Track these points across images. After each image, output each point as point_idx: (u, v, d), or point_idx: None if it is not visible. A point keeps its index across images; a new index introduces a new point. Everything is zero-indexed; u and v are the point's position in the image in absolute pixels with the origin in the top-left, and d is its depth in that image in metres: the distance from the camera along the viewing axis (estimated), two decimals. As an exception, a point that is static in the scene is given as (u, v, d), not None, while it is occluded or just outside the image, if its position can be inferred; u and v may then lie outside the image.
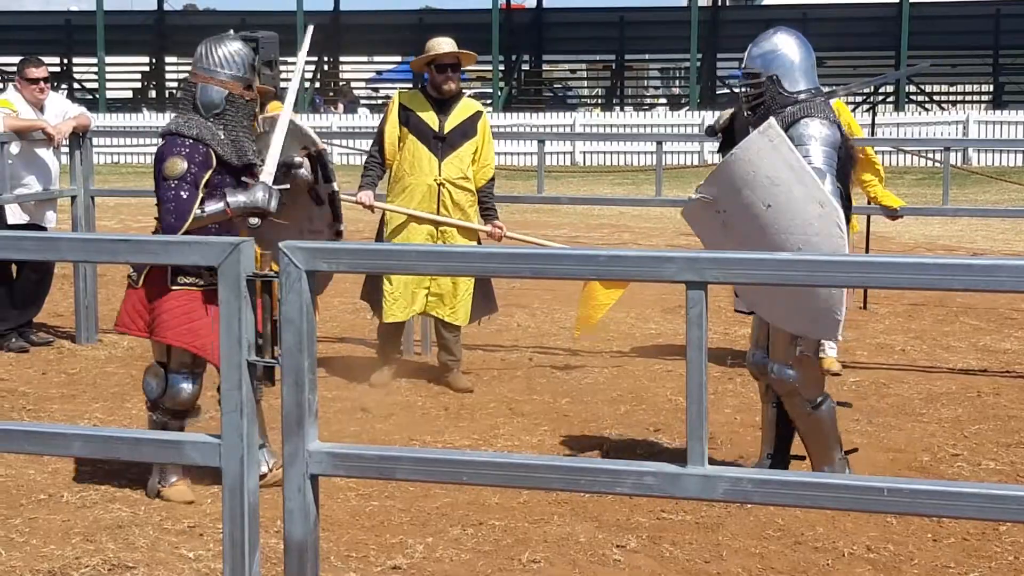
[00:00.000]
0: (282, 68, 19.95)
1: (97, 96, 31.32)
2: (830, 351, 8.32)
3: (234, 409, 2.98)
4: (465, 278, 7.71)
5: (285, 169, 6.02)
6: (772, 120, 5.34)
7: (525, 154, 23.89)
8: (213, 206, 5.63)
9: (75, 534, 5.27)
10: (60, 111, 9.04)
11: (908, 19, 28.18)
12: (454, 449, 5.84)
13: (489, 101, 31.48)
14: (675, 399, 7.44)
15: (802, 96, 5.54)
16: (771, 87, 5.57)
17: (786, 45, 5.63)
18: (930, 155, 20.42)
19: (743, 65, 5.76)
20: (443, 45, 7.94)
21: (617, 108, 34.46)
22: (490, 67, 31.42)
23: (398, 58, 40.11)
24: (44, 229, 8.82)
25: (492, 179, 8.01)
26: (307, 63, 31.30)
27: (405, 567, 4.94)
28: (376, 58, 40.70)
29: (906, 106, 29.21)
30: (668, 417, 7.09)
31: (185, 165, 5.56)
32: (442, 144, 7.83)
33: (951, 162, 9.15)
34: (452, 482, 2.96)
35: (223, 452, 2.98)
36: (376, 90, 39.94)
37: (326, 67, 37.31)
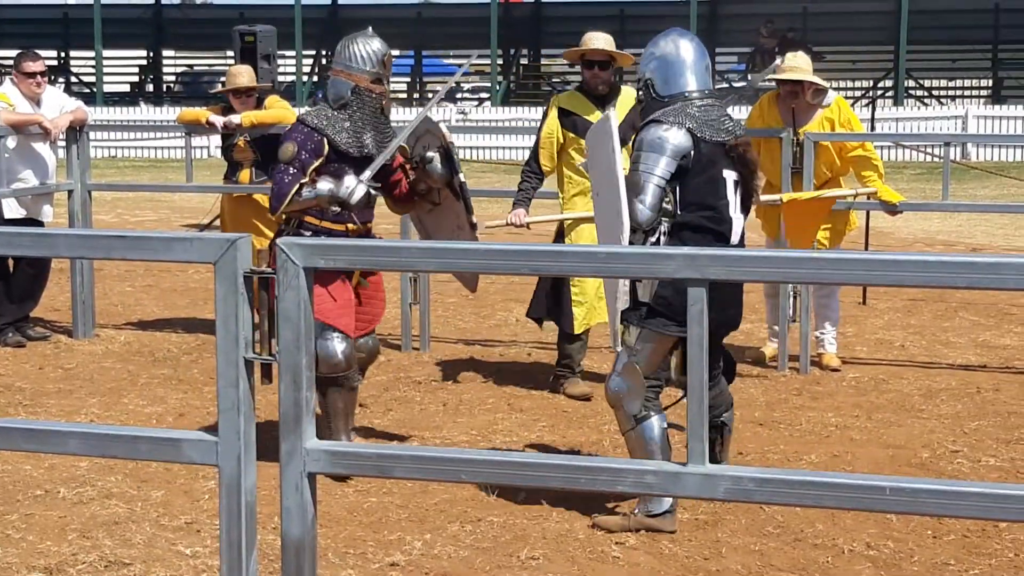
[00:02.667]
0: (280, 62, 19.90)
1: (94, 90, 31.25)
2: (829, 347, 8.30)
3: (231, 407, 2.95)
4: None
5: (420, 165, 6.17)
6: (610, 111, 5.57)
7: (524, 148, 23.83)
8: (306, 192, 5.89)
9: (72, 530, 5.25)
10: (57, 105, 9.02)
11: (907, 14, 28.14)
12: (452, 447, 5.81)
13: (488, 95, 31.47)
14: (670, 392, 7.41)
15: (667, 100, 5.38)
16: (647, 91, 5.47)
17: (666, 47, 5.45)
18: (929, 150, 20.41)
19: None
20: (594, 41, 7.72)
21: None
22: (488, 61, 31.37)
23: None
24: (41, 223, 8.80)
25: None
26: (304, 56, 30.91)
27: (403, 564, 4.92)
28: (374, 52, 40.61)
29: (905, 101, 29.17)
30: (668, 414, 7.05)
31: (295, 150, 5.88)
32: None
33: (950, 157, 9.12)
34: (451, 480, 2.94)
35: (220, 450, 2.96)
36: (374, 84, 39.84)
37: (324, 60, 37.23)
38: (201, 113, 8.94)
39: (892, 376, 7.99)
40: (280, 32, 14.81)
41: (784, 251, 2.79)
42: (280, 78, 26.62)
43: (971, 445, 6.49)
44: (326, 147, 5.90)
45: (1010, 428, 6.80)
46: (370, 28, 6.32)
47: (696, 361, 2.80)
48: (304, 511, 2.92)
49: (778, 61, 8.36)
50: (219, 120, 8.74)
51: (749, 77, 31.62)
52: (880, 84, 32.18)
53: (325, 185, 5.87)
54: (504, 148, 25.94)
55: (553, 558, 4.98)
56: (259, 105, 8.89)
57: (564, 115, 7.62)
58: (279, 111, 8.87)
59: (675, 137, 5.25)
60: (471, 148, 26.16)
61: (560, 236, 7.68)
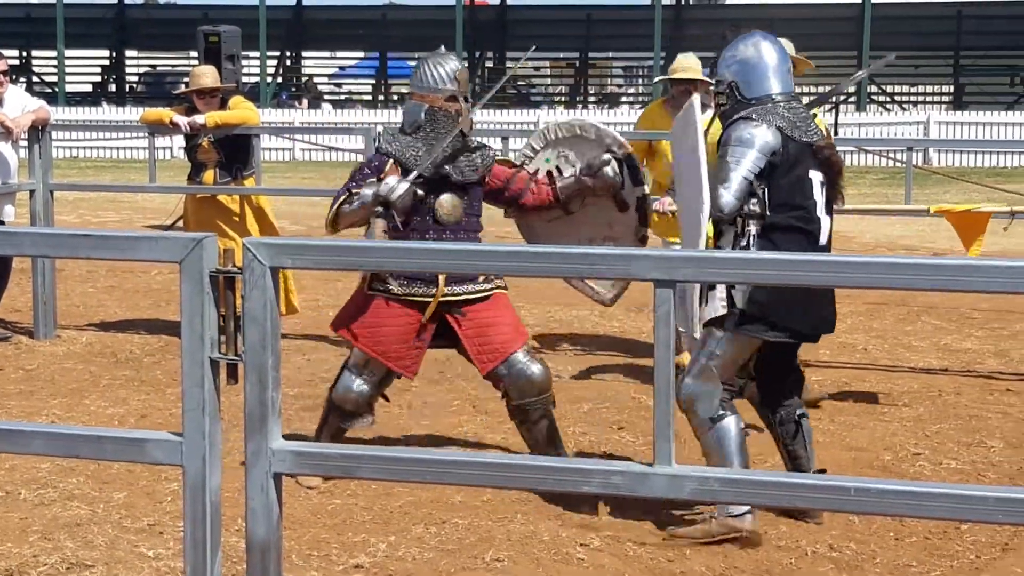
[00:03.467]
0: (243, 63, 19.83)
1: (56, 90, 31.05)
2: None
3: (196, 407, 2.94)
4: None
5: (589, 171, 6.04)
6: (695, 98, 5.55)
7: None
8: (353, 204, 5.84)
9: (33, 532, 5.20)
10: (19, 104, 8.95)
11: (870, 20, 28.33)
12: (418, 448, 5.80)
13: (560, 98, 31.42)
14: (639, 397, 7.43)
15: (753, 102, 5.36)
16: (731, 94, 5.45)
17: (746, 51, 5.47)
18: (891, 155, 20.54)
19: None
20: (683, 61, 7.91)
21: (580, 106, 34.46)
22: (453, 64, 31.35)
23: (361, 53, 40.00)
24: (2, 223, 8.73)
25: None
26: (269, 57, 30.77)
27: (368, 566, 4.91)
28: (339, 53, 40.53)
29: (867, 106, 29.36)
30: (632, 415, 7.07)
31: (359, 167, 5.95)
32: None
33: (912, 162, 9.20)
34: (416, 481, 2.93)
35: (184, 450, 2.95)
36: (339, 85, 39.80)
37: (288, 62, 37.14)
38: (164, 113, 8.89)
39: (855, 379, 8.03)
40: (244, 33, 14.78)
41: (753, 253, 2.80)
42: (244, 79, 26.54)
43: (933, 448, 6.53)
44: (388, 165, 5.82)
45: (971, 431, 6.84)
46: (442, 47, 6.26)
47: (663, 362, 2.80)
48: (269, 512, 2.91)
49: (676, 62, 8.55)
50: (183, 120, 8.70)
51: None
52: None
53: (368, 189, 5.79)
54: (469, 151, 25.90)
55: (518, 560, 4.97)
56: (223, 106, 8.85)
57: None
58: (243, 112, 8.83)
59: (764, 134, 5.23)
60: (436, 150, 26.07)
61: None
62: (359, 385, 5.91)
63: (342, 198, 5.84)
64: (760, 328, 5.22)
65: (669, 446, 2.77)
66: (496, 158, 6.08)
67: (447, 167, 5.85)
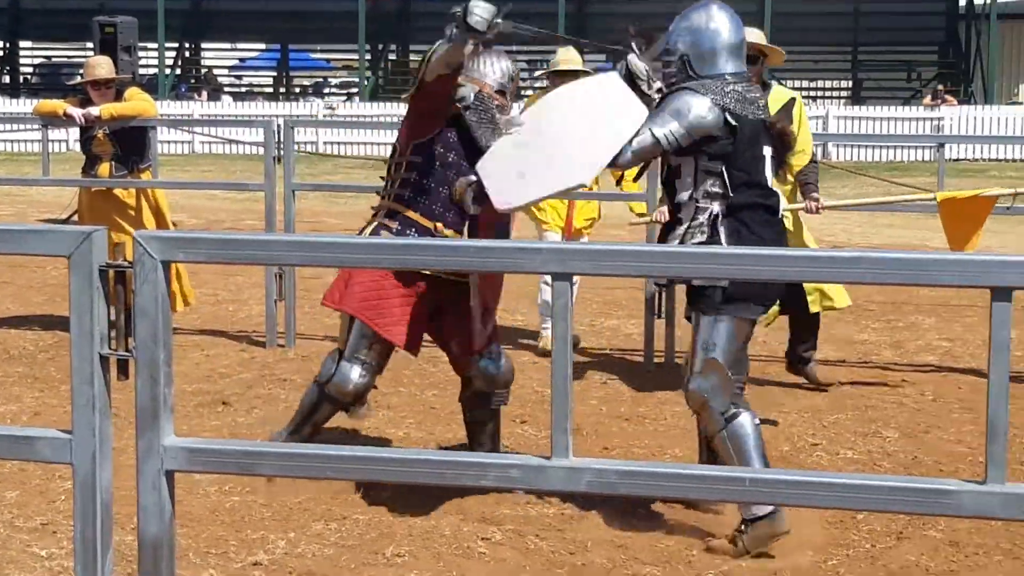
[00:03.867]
0: (141, 55, 19.51)
1: (-51, 81, 30.39)
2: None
3: (86, 403, 2.88)
4: None
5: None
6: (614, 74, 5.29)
7: (391, 144, 23.77)
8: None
9: (-79, 533, 5.08)
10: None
11: (770, 15, 28.67)
12: (316, 444, 5.74)
13: (356, 90, 31.25)
14: (541, 391, 7.44)
15: (707, 77, 5.16)
16: (683, 67, 5.21)
17: (702, 21, 5.24)
18: (790, 149, 20.80)
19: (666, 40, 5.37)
20: (565, 54, 7.73)
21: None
22: (356, 56, 31.20)
23: (262, 45, 39.63)
24: None
25: (812, 161, 7.70)
26: (167, 49, 30.37)
27: (266, 563, 4.86)
28: (240, 45, 40.11)
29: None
30: (534, 409, 7.08)
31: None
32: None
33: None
34: (316, 477, 2.90)
35: (74, 448, 2.88)
36: (239, 77, 39.37)
37: (187, 53, 36.68)
38: (59, 105, 8.73)
39: (754, 371, 8.08)
40: (142, 23, 14.55)
41: (650, 246, 2.81)
42: (142, 71, 26.17)
43: (830, 438, 6.61)
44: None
45: (867, 421, 6.95)
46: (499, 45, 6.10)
47: (560, 355, 2.79)
48: (162, 509, 2.86)
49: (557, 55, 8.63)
50: (77, 112, 8.55)
51: None
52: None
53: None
54: (372, 144, 25.81)
55: (419, 555, 4.95)
56: (119, 97, 8.71)
57: None
58: (139, 103, 8.70)
59: (700, 108, 5.06)
60: (339, 143, 25.97)
61: None
62: (360, 376, 5.61)
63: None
64: (742, 306, 5.09)
65: (566, 439, 2.77)
66: None
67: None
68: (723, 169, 5.12)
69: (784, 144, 5.34)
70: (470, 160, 5.53)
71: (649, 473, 2.72)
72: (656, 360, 8.20)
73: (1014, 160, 25.92)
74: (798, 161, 7.58)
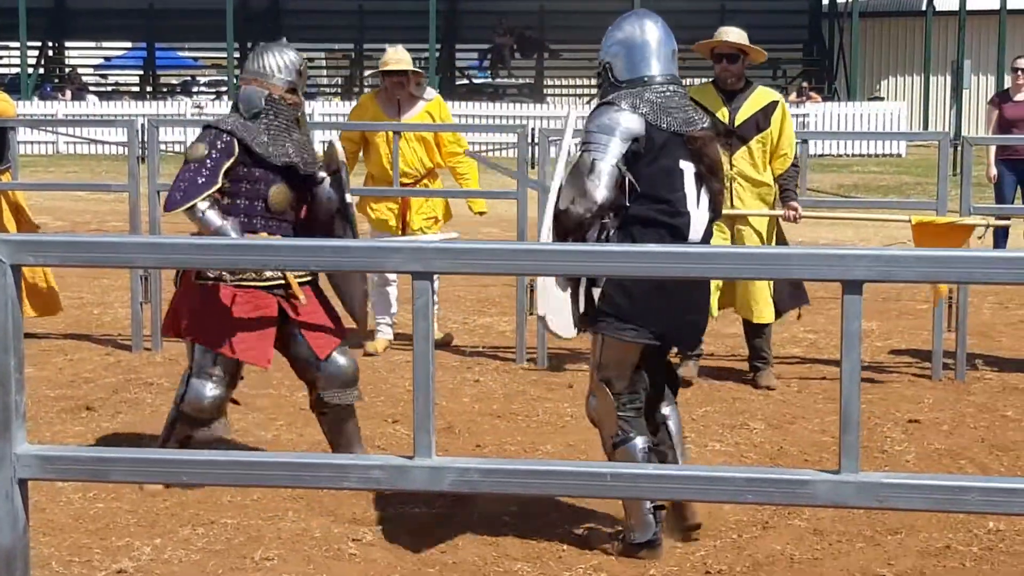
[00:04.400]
0: (2, 54, 19.02)
1: None
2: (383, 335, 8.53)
3: (-65, 412, 2.79)
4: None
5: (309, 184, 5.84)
6: (571, 111, 5.40)
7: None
8: (212, 217, 5.60)
9: None
10: None
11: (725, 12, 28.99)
12: (171, 449, 5.64)
13: (225, 88, 30.87)
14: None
15: (626, 85, 5.05)
16: (605, 75, 5.14)
17: (629, 29, 5.14)
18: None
19: None
20: (725, 34, 7.55)
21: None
22: (225, 54, 30.82)
23: (128, 44, 38.92)
24: None
25: (793, 165, 7.65)
26: (29, 48, 29.66)
27: (131, 570, 4.78)
28: (105, 44, 39.36)
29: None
30: (407, 408, 7.06)
31: (206, 150, 5.61)
32: (731, 137, 7.44)
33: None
34: (171, 482, 2.86)
35: (-77, 458, 2.80)
36: (104, 76, 38.64)
37: (51, 52, 35.89)
38: (-87, 106, 8.48)
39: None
40: (3, 22, 14.21)
41: (511, 243, 2.81)
42: (3, 70, 25.56)
43: (698, 431, 6.70)
44: (236, 147, 5.60)
45: (735, 413, 7.06)
46: (284, 39, 6.08)
47: (422, 355, 2.78)
48: (15, 519, 2.79)
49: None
50: (-66, 113, 8.32)
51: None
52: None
53: (232, 233, 5.60)
54: (242, 143, 25.47)
55: (288, 558, 4.91)
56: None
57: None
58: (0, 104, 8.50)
59: (626, 119, 4.91)
60: (208, 143, 25.57)
61: None
62: (212, 390, 5.63)
63: (205, 194, 5.56)
64: (616, 327, 4.93)
65: (429, 438, 2.76)
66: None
67: (295, 159, 5.71)
68: (627, 178, 4.92)
69: (703, 162, 5.03)
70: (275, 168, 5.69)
71: (511, 471, 2.73)
72: (528, 357, 8.24)
73: (876, 155, 26.53)
74: (779, 165, 7.61)
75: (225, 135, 5.63)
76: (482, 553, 5.01)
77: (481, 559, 4.96)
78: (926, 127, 29.84)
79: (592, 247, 2.72)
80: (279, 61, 5.75)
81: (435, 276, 2.84)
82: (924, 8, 31.17)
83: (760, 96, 7.63)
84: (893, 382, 7.76)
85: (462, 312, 9.97)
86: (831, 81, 31.66)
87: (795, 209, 7.61)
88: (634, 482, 2.66)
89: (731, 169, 7.45)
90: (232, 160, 5.61)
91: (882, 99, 31.46)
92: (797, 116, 27.04)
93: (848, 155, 26.40)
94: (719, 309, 7.74)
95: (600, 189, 4.85)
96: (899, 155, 26.58)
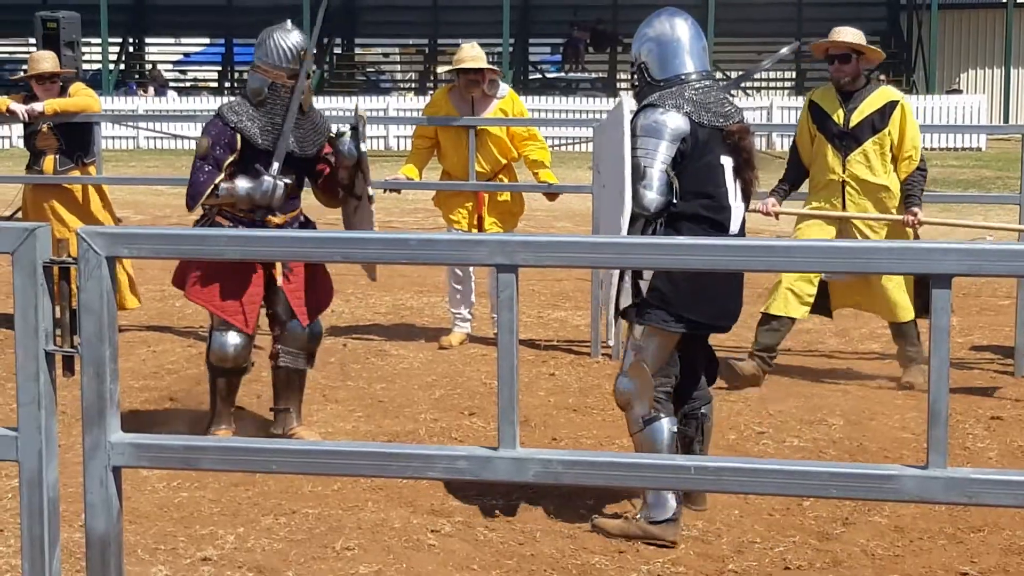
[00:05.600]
0: (84, 50, 19.35)
1: None
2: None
3: (31, 401, 2.87)
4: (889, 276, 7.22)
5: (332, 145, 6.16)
6: (623, 98, 5.38)
7: (338, 138, 23.66)
8: (223, 191, 5.94)
9: None
10: None
11: (714, 7, 28.80)
12: (260, 438, 5.74)
13: (409, 85, 31.10)
14: (489, 383, 7.46)
15: (663, 84, 5.14)
16: (641, 74, 5.23)
17: (660, 28, 5.22)
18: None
19: None
20: (837, 34, 7.45)
21: (430, 93, 34.41)
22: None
23: (206, 40, 39.32)
24: None
25: (919, 169, 7.38)
26: (110, 44, 30.13)
27: (215, 558, 4.85)
28: (183, 40, 39.80)
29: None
30: (483, 400, 7.10)
31: (208, 144, 5.92)
32: (846, 139, 7.36)
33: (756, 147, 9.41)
34: (260, 471, 2.90)
35: (20, 445, 2.87)
36: (184, 72, 39.08)
37: (131, 48, 36.37)
38: (2, 101, 8.64)
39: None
40: (85, 18, 14.44)
41: (592, 237, 2.83)
42: (85, 66, 25.94)
43: (776, 426, 6.67)
44: (239, 142, 5.90)
45: (812, 409, 7.01)
46: (288, 21, 6.25)
47: (506, 346, 2.81)
48: (109, 506, 2.85)
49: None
50: (20, 108, 8.47)
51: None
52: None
53: (243, 185, 5.94)
54: (318, 138, 25.63)
55: (368, 548, 4.96)
56: (63, 93, 8.64)
57: (814, 109, 7.50)
58: (83, 99, 8.64)
59: (673, 121, 5.02)
60: (284, 138, 25.78)
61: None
62: (233, 338, 6.07)
63: (210, 187, 5.91)
64: (661, 318, 5.07)
65: (513, 429, 2.78)
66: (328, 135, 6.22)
67: (293, 146, 6.00)
68: (675, 176, 5.03)
69: (741, 155, 5.13)
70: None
71: (594, 463, 2.75)
72: (603, 351, 8.24)
73: (954, 149, 26.20)
74: (903, 169, 7.37)
75: (229, 130, 5.93)
76: (559, 546, 5.03)
77: (559, 551, 4.98)
78: (1006, 120, 29.41)
79: (677, 240, 2.72)
80: (282, 46, 5.99)
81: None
82: (1005, 0, 30.71)
83: (879, 96, 7.43)
84: (975, 379, 7.69)
85: (537, 306, 9.99)
86: (909, 74, 31.31)
87: (915, 215, 7.32)
88: (718, 475, 2.66)
89: (843, 172, 7.36)
90: (234, 155, 5.93)
91: (960, 92, 31.04)
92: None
93: (926, 148, 26.06)
94: (834, 309, 7.68)
95: (652, 194, 5.00)
96: (979, 148, 26.22)
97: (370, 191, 6.14)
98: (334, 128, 6.33)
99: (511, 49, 31.28)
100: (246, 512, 5.32)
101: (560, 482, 2.78)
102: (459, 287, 8.63)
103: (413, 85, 37.09)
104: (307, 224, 6.31)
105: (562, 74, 34.84)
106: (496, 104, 8.52)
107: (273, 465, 2.87)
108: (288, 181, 6.04)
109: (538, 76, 35.48)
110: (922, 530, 5.19)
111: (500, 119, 8.49)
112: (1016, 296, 7.90)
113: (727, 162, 5.13)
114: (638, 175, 5.00)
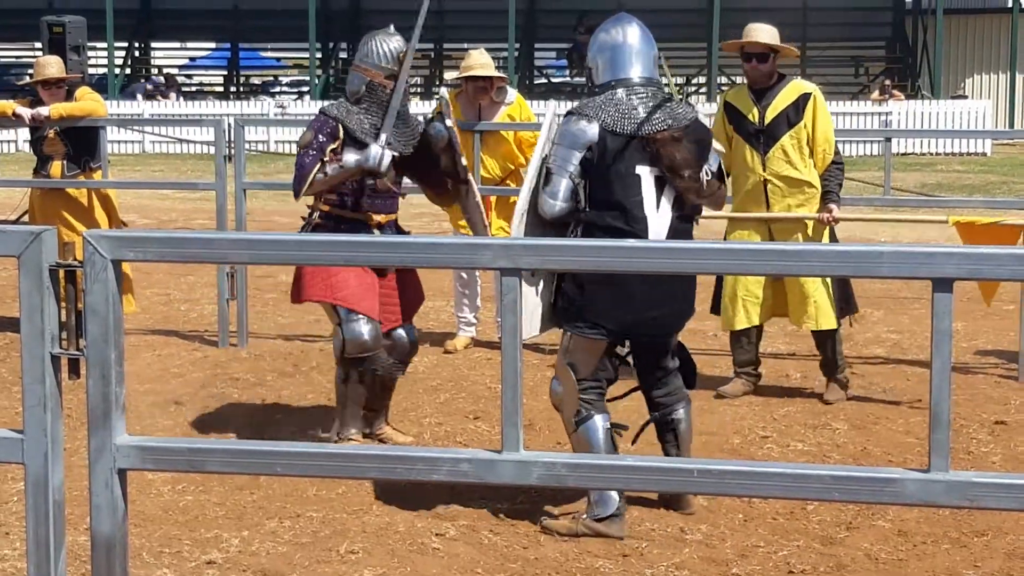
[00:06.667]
0: (90, 55, 19.35)
1: None
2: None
3: (37, 403, 2.88)
4: (812, 279, 7.07)
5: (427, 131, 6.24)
6: (553, 106, 5.64)
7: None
8: (331, 167, 6.00)
9: None
10: None
11: (719, 12, 28.80)
12: (265, 440, 5.74)
13: (307, 89, 31.14)
14: (494, 386, 7.47)
15: (599, 90, 5.23)
16: (588, 79, 5.36)
17: (607, 34, 5.30)
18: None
19: None
20: (752, 32, 7.38)
21: (436, 98, 34.39)
22: (307, 55, 31.09)
23: (212, 44, 39.40)
24: None
25: (835, 163, 7.25)
26: (116, 48, 30.10)
27: (220, 561, 4.86)
28: (189, 44, 39.87)
29: (717, 96, 29.83)
30: (487, 405, 7.11)
31: (312, 135, 6.04)
32: (762, 137, 7.20)
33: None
34: (265, 473, 2.91)
35: (26, 448, 2.88)
36: (190, 77, 39.14)
37: (137, 53, 36.43)
38: (8, 105, 8.68)
39: (704, 364, 8.14)
40: (91, 23, 14.47)
41: (595, 241, 2.84)
42: (91, 70, 25.97)
43: (780, 431, 6.68)
44: (341, 131, 6.03)
45: (817, 413, 7.02)
46: (391, 26, 6.43)
47: (510, 349, 2.82)
48: (114, 508, 2.86)
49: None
50: (27, 112, 8.51)
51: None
52: (694, 80, 32.90)
53: (351, 156, 6.00)
54: (323, 142, 25.64)
55: (373, 551, 4.97)
56: (69, 97, 8.68)
57: (729, 110, 7.37)
58: (89, 103, 8.67)
59: (582, 129, 5.12)
60: (290, 142, 25.84)
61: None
62: (365, 325, 6.08)
63: (315, 168, 5.98)
64: (573, 324, 5.16)
65: (517, 432, 2.79)
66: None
67: (392, 140, 6.08)
68: (583, 185, 5.12)
69: (662, 164, 5.10)
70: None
71: (597, 465, 2.76)
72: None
73: (960, 154, 26.17)
74: (819, 162, 7.22)
75: (331, 120, 6.06)
76: (564, 549, 5.03)
77: (563, 555, 4.98)
78: (1012, 125, 29.40)
79: (686, 244, 2.73)
80: (380, 48, 6.17)
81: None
82: (1010, 5, 30.70)
83: (791, 90, 7.24)
84: (979, 383, 7.69)
85: (543, 310, 9.99)
86: (914, 79, 31.30)
87: (830, 211, 7.18)
88: (721, 479, 2.67)
89: (764, 171, 7.20)
90: (337, 143, 6.03)
91: (965, 97, 31.04)
92: (879, 114, 26.83)
93: (932, 153, 26.07)
94: (765, 318, 7.43)
95: (552, 201, 5.12)
96: (984, 154, 26.20)
97: (463, 162, 6.20)
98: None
99: (516, 54, 31.29)
100: (251, 515, 5.34)
101: (564, 485, 2.78)
102: (465, 291, 8.64)
103: (418, 90, 37.13)
104: (400, 232, 6.35)
105: (567, 79, 34.87)
106: (504, 111, 8.55)
107: (278, 467, 2.88)
108: (396, 153, 6.07)
109: (543, 81, 35.50)
110: (926, 534, 5.19)
111: (507, 123, 8.51)
112: (1020, 301, 7.90)
113: (645, 172, 5.12)
114: (548, 181, 5.14)
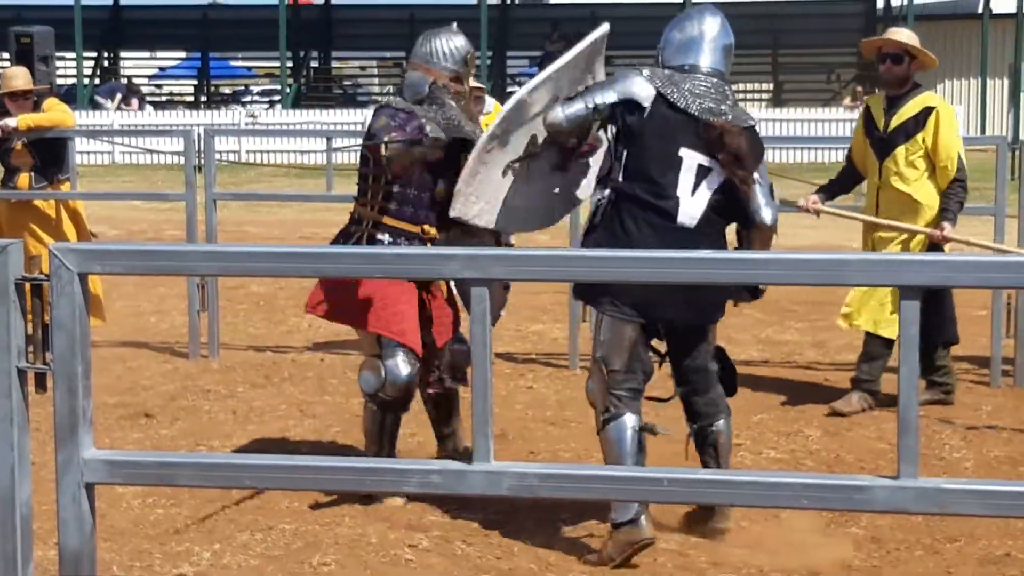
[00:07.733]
0: (59, 64, 19.23)
1: None
2: None
3: (4, 418, 2.85)
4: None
5: None
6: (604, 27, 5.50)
7: (315, 151, 23.66)
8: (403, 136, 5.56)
9: None
10: None
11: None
12: (236, 453, 5.71)
13: (278, 98, 31.09)
14: (466, 397, 7.43)
15: (658, 69, 5.17)
16: (657, 58, 5.27)
17: (686, 20, 5.28)
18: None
19: None
20: (891, 33, 7.29)
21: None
22: (278, 63, 31.04)
23: (182, 54, 39.26)
24: None
25: (957, 180, 7.05)
26: (85, 58, 29.87)
27: (192, 575, 4.83)
28: (159, 53, 39.74)
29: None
30: (462, 415, 7.08)
31: (387, 120, 5.58)
32: (883, 145, 7.14)
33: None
34: (234, 486, 2.89)
35: (-8, 463, 2.85)
36: (160, 86, 39.01)
37: (106, 62, 36.28)
38: (-26, 117, 8.61)
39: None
40: (59, 33, 14.40)
41: (568, 250, 2.83)
42: (60, 80, 25.82)
43: (754, 438, 6.68)
44: (417, 126, 5.58)
45: (790, 421, 7.03)
46: (455, 24, 5.99)
47: (480, 360, 2.81)
48: (82, 522, 2.84)
49: None
50: (-7, 123, 8.44)
51: None
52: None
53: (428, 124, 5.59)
54: (295, 152, 25.64)
55: (346, 563, 4.94)
56: (37, 108, 8.62)
57: (866, 114, 7.38)
58: (57, 114, 8.62)
59: (635, 82, 5.06)
60: (261, 152, 25.81)
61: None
62: (405, 366, 5.60)
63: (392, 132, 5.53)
64: (599, 299, 5.08)
65: (487, 443, 2.78)
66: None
67: (470, 135, 5.68)
68: (623, 154, 5.05)
69: (723, 153, 5.02)
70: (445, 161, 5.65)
71: (568, 475, 2.75)
72: (581, 364, 8.24)
73: (931, 160, 26.29)
74: (940, 178, 7.08)
75: (403, 113, 5.61)
76: (537, 559, 5.02)
77: (537, 566, 4.97)
78: (983, 131, 29.57)
79: (649, 254, 2.73)
80: (446, 47, 5.73)
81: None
82: (980, 11, 30.91)
83: (918, 101, 7.17)
84: (950, 388, 7.71)
85: (514, 319, 9.97)
86: (885, 85, 31.46)
87: (942, 229, 6.95)
88: (691, 487, 2.67)
89: (879, 178, 7.17)
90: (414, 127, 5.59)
91: (936, 103, 31.17)
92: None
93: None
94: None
95: (561, 114, 5.07)
96: (955, 159, 26.34)
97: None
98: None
99: (489, 62, 31.31)
100: (222, 528, 5.30)
101: (535, 495, 2.78)
102: None
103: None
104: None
105: (539, 87, 34.87)
106: (483, 120, 8.53)
107: (247, 480, 2.87)
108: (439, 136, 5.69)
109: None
110: (899, 541, 5.20)
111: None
112: (991, 307, 7.94)
113: (688, 154, 5.03)
114: (569, 100, 5.09)
